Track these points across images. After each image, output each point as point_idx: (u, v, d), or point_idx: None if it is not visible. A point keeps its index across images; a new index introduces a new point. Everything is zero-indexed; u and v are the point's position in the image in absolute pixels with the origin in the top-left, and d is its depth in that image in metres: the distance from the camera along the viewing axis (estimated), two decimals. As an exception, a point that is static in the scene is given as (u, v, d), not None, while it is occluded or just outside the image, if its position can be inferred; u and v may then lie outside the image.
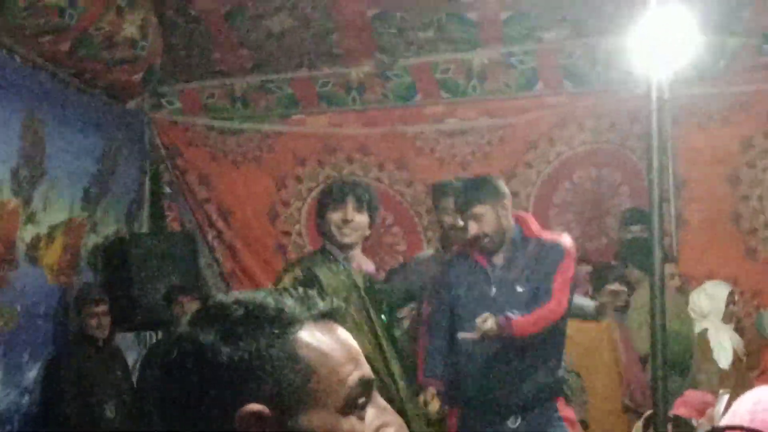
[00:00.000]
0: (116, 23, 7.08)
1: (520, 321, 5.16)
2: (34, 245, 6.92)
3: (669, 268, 7.06)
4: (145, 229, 8.63)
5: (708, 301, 7.03)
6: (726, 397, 4.44)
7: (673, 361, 5.62)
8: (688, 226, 7.98)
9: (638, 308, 6.60)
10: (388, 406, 1.49)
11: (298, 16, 7.81)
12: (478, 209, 5.29)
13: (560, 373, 5.44)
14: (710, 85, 7.78)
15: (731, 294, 7.07)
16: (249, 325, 1.41)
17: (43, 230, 7.03)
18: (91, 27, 6.91)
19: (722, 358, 6.83)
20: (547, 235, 5.47)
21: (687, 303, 7.13)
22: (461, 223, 5.42)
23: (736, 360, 6.87)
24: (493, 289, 5.31)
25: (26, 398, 6.86)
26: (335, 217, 5.00)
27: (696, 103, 7.81)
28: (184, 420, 1.42)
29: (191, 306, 7.31)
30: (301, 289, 1.50)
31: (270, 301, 1.45)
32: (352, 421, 1.42)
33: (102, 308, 7.03)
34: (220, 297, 1.49)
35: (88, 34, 6.96)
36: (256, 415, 1.37)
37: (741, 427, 2.58)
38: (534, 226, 5.46)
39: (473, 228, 5.29)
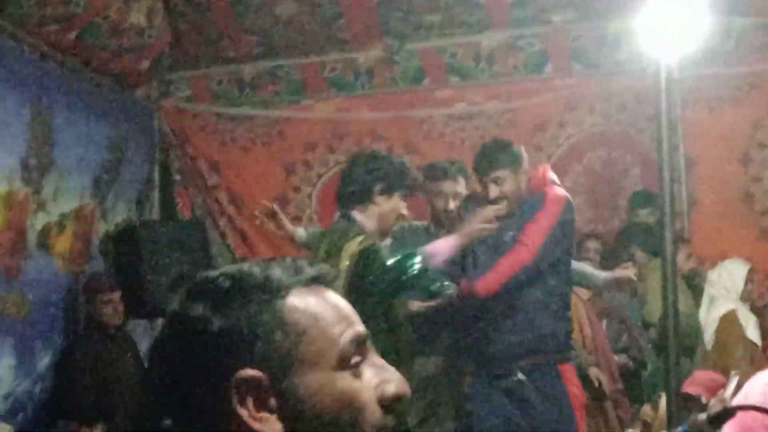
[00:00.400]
0: (123, 11, 7.07)
1: (486, 278, 5.18)
2: (44, 234, 6.94)
3: (682, 250, 7.06)
4: (155, 217, 8.64)
5: (730, 280, 7.01)
6: (736, 379, 4.43)
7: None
8: (700, 207, 7.95)
9: (651, 290, 6.60)
10: (386, 363, 1.50)
11: (305, 2, 7.80)
12: (499, 173, 5.30)
13: (563, 328, 5.42)
14: (719, 65, 7.73)
15: (750, 272, 7.05)
16: (237, 294, 1.44)
17: (54, 219, 7.05)
18: (97, 15, 6.91)
19: (755, 336, 6.84)
20: (547, 188, 5.45)
21: (696, 283, 7.11)
22: (479, 188, 5.42)
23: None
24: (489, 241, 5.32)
25: (39, 386, 6.88)
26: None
27: (705, 83, 7.76)
28: (181, 393, 1.46)
29: None
30: (289, 259, 1.53)
31: (256, 269, 1.48)
32: (347, 378, 1.44)
33: (116, 295, 7.04)
34: (207, 272, 1.52)
35: (95, 23, 6.96)
36: (251, 380, 1.40)
37: (753, 407, 2.57)
38: (539, 179, 5.45)
39: (493, 191, 5.29)
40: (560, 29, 8.01)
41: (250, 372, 1.40)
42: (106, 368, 6.87)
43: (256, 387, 1.40)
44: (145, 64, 7.90)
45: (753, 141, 7.88)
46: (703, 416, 2.57)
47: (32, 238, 6.79)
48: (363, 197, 4.94)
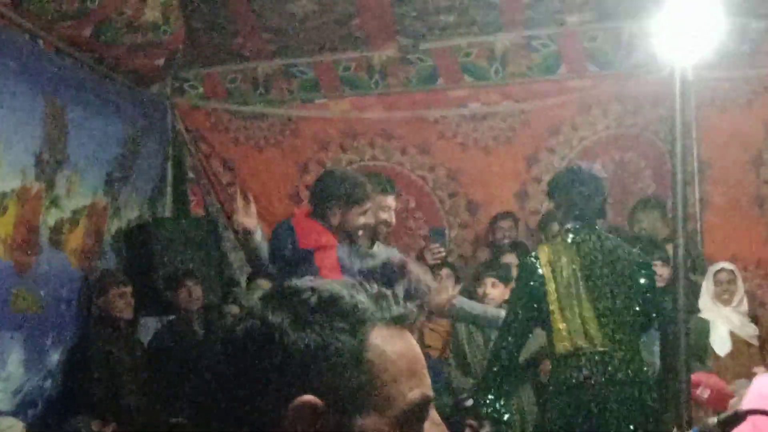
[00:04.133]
0: (138, 8, 7.08)
1: None
2: (57, 230, 6.95)
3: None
4: (168, 214, 8.66)
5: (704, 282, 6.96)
6: (745, 384, 4.43)
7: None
8: (712, 210, 7.93)
9: None
10: (441, 423, 1.46)
11: (319, 0, 7.80)
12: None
13: None
14: (734, 68, 7.71)
15: (721, 272, 6.94)
16: (321, 314, 1.38)
17: (67, 215, 7.06)
18: (112, 12, 6.92)
19: (719, 346, 6.79)
20: None
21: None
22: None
23: (740, 345, 6.80)
24: None
25: (49, 382, 6.90)
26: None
27: (720, 86, 7.75)
28: (238, 396, 1.40)
29: (196, 290, 7.33)
30: (376, 287, 1.46)
31: (345, 294, 1.41)
32: None
33: (127, 289, 7.05)
34: (295, 281, 1.45)
35: (110, 19, 6.97)
36: (310, 407, 1.34)
37: (764, 412, 2.57)
38: None
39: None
40: (575, 30, 8.00)
41: (312, 399, 1.34)
42: (117, 364, 6.87)
43: (313, 415, 1.34)
44: (160, 61, 7.91)
45: (766, 144, 7.86)
46: (713, 420, 2.56)
47: (45, 234, 6.80)
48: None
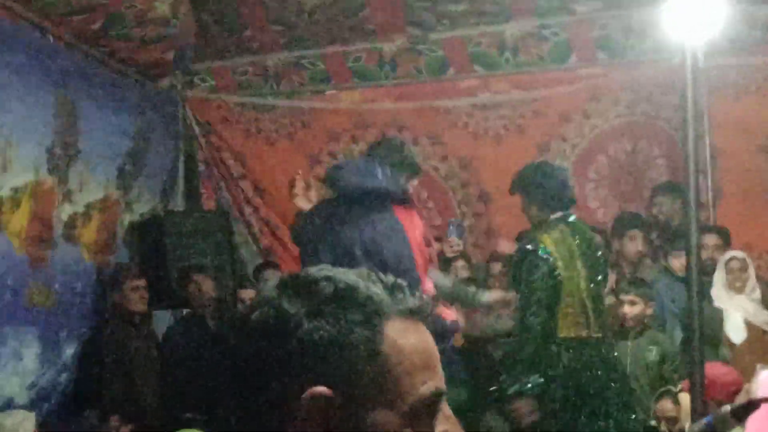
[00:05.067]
0: (148, 1, 7.09)
1: None
2: (70, 224, 6.97)
3: (711, 240, 7.01)
4: (180, 207, 8.66)
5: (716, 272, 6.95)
6: (765, 372, 4.42)
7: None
8: (725, 198, 7.90)
9: None
10: (452, 416, 1.46)
11: (329, -8, 7.80)
12: None
13: None
14: (745, 55, 7.68)
15: (732, 260, 6.93)
16: (336, 305, 1.38)
17: (80, 209, 7.08)
18: (122, 5, 6.93)
19: (734, 335, 6.77)
20: None
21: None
22: None
23: (756, 332, 6.78)
24: None
25: (64, 376, 6.92)
26: None
27: (731, 73, 7.72)
28: (250, 384, 1.40)
29: (206, 283, 7.34)
30: (391, 277, 1.45)
31: (361, 284, 1.41)
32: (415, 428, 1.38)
33: (141, 282, 7.07)
34: (311, 270, 1.44)
35: (120, 13, 6.98)
36: (322, 398, 1.34)
37: (778, 400, 2.56)
38: None
39: None
40: (585, 19, 7.98)
41: (325, 390, 1.34)
42: (132, 357, 6.89)
43: (324, 406, 1.34)
44: (170, 55, 7.91)
45: (778, 131, 7.83)
46: (727, 408, 2.56)
47: (58, 228, 6.83)
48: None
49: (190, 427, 6.27)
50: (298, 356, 1.35)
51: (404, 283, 1.45)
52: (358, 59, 8.47)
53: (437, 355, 1.44)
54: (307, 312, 1.37)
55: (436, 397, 1.40)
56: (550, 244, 5.43)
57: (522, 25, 8.07)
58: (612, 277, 6.68)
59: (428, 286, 5.12)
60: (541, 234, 5.53)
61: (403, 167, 5.28)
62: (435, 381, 1.41)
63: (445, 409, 1.44)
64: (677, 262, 6.81)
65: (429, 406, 1.40)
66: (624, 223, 7.52)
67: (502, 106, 8.34)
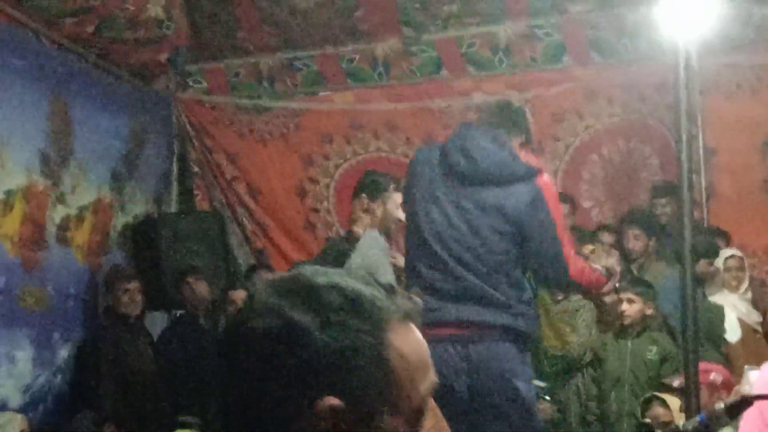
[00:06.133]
0: (141, 3, 7.09)
1: None
2: (63, 226, 6.96)
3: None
4: (173, 209, 8.65)
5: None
6: (753, 372, 4.42)
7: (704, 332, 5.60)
8: (719, 198, 7.91)
9: None
10: (436, 406, 1.47)
11: (322, -7, 7.80)
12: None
13: None
14: (738, 54, 7.68)
15: (731, 258, 6.94)
16: (346, 315, 1.37)
17: (73, 211, 7.07)
18: (115, 8, 6.93)
19: (729, 333, 6.78)
20: None
21: None
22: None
23: (749, 331, 6.79)
24: None
25: (58, 378, 6.91)
26: None
27: (724, 73, 7.72)
28: (254, 393, 1.38)
29: (200, 285, 7.33)
30: (386, 280, 1.45)
31: (367, 293, 1.40)
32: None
33: (135, 285, 7.06)
34: (307, 273, 1.43)
35: (113, 15, 6.98)
36: (333, 409, 1.33)
37: (771, 397, 2.56)
38: None
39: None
40: (578, 19, 7.98)
41: (336, 402, 1.33)
42: (126, 360, 6.89)
43: (335, 417, 1.33)
44: (163, 57, 7.92)
45: (772, 130, 7.83)
46: (720, 405, 2.56)
47: (51, 230, 6.82)
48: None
49: (184, 429, 6.27)
50: (307, 367, 1.34)
51: (396, 286, 1.46)
52: (352, 60, 8.46)
53: (428, 348, 1.44)
54: (319, 323, 1.35)
55: (432, 390, 1.42)
56: None
57: (515, 25, 8.07)
58: None
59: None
60: None
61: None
62: (430, 376, 1.42)
63: (431, 400, 1.45)
64: None
65: (426, 401, 1.41)
66: (627, 220, 7.54)
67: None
